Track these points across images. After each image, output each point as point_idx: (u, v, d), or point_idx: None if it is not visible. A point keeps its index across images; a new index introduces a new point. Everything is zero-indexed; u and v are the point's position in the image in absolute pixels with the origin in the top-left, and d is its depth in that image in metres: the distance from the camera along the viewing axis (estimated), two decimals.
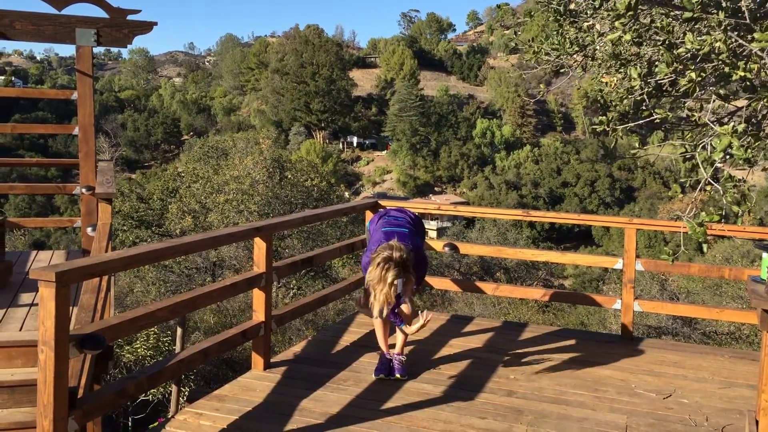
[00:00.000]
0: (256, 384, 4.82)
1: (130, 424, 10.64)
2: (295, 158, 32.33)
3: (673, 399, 4.83)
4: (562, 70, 3.57)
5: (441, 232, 65.42)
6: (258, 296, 5.04)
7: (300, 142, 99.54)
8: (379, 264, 4.47)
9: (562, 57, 3.34)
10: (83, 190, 7.04)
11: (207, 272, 20.42)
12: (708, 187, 2.97)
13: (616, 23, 2.43)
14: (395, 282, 4.44)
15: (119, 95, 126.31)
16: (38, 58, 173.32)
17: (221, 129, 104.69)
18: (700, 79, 2.39)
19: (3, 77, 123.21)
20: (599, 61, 3.12)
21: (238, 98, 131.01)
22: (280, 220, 5.24)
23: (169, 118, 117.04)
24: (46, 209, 73.22)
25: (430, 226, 71.68)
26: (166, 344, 11.06)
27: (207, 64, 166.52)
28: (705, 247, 2.67)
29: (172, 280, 19.33)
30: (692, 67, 2.38)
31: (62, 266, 3.30)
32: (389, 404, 4.55)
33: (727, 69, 2.36)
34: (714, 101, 2.59)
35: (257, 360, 5.08)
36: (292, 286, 22.26)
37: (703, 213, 2.50)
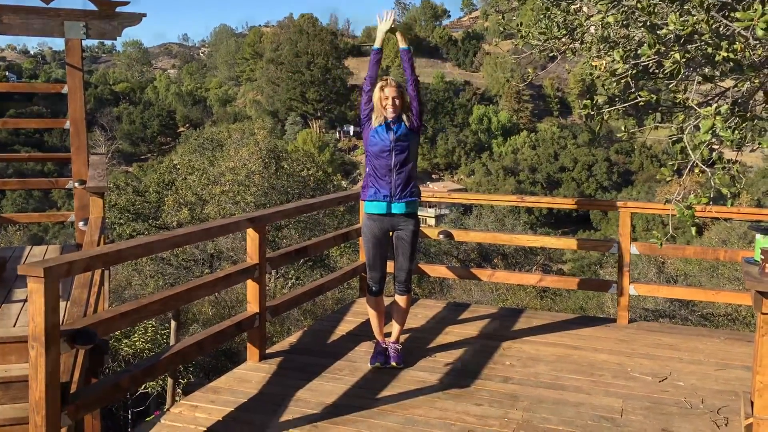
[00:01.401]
0: (251, 375, 4.82)
1: (129, 416, 10.66)
2: (291, 148, 32.25)
3: (669, 382, 4.83)
4: (551, 54, 3.52)
5: (439, 220, 65.43)
6: (252, 287, 5.03)
7: (296, 131, 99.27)
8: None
9: (550, 41, 3.29)
10: (76, 184, 7.01)
11: (205, 264, 20.39)
12: (696, 170, 2.94)
13: (599, 5, 2.39)
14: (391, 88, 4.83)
15: (114, 88, 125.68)
16: (32, 52, 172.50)
17: (217, 120, 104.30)
18: (684, 60, 2.35)
19: None
20: (588, 45, 3.08)
21: (233, 89, 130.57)
22: (272, 210, 5.22)
23: (165, 111, 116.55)
24: (43, 204, 73.05)
25: (428, 213, 71.63)
26: (164, 337, 11.06)
27: (201, 55, 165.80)
28: (693, 230, 2.64)
29: (170, 273, 19.31)
30: (676, 49, 2.34)
31: (50, 261, 3.28)
32: (385, 393, 4.55)
33: (710, 49, 2.33)
34: (700, 82, 2.55)
35: (252, 351, 5.08)
36: (290, 276, 22.25)
37: (692, 195, 2.47)
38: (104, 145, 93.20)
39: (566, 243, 7.33)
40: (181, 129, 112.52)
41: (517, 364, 5.13)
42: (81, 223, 6.10)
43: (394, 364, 4.99)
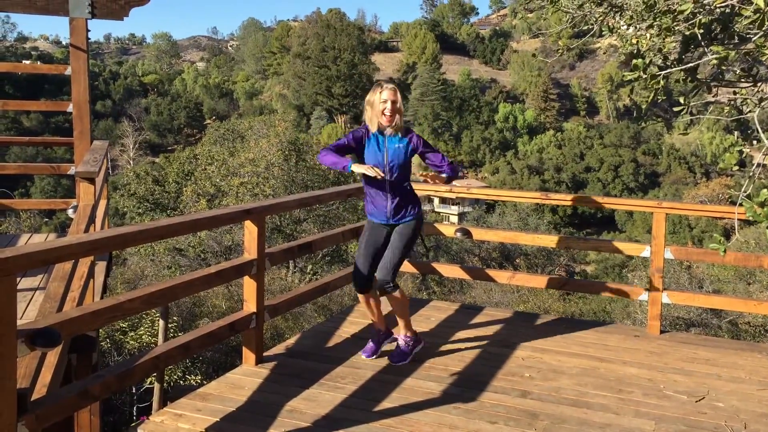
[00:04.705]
0: (245, 381, 4.41)
1: (134, 412, 10.37)
2: (314, 141, 31.91)
3: (707, 402, 4.34)
4: (585, 27, 3.08)
5: (461, 217, 64.84)
6: (249, 285, 4.62)
7: (321, 126, 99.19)
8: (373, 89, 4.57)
9: (585, 7, 2.83)
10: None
11: (221, 256, 20.11)
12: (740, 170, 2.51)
13: None
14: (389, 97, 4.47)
15: (143, 80, 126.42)
16: (64, 42, 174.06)
17: (243, 113, 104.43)
18: None
19: (29, 62, 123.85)
20: (629, 13, 2.63)
21: (260, 82, 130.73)
22: (271, 202, 4.80)
23: (192, 103, 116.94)
24: (69, 193, 73.58)
25: (451, 210, 71.03)
26: (172, 331, 10.74)
27: (230, 48, 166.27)
28: None
29: (185, 264, 19.05)
30: None
31: (7, 252, 2.89)
32: (388, 405, 4.11)
33: None
34: None
35: (248, 355, 4.67)
36: (308, 270, 21.93)
37: (765, 190, 2.01)
38: (132, 135, 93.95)
39: (593, 245, 6.85)
40: (208, 121, 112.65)
41: (536, 376, 4.66)
42: (70, 210, 5.74)
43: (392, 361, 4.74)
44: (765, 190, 1.99)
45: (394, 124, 4.52)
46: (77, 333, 3.39)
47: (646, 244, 5.77)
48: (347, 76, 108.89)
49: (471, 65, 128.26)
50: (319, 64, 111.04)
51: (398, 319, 4.80)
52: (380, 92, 4.51)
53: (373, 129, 4.56)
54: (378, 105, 4.51)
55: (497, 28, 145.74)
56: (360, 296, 4.79)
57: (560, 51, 3.55)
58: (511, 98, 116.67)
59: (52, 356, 3.78)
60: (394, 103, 4.49)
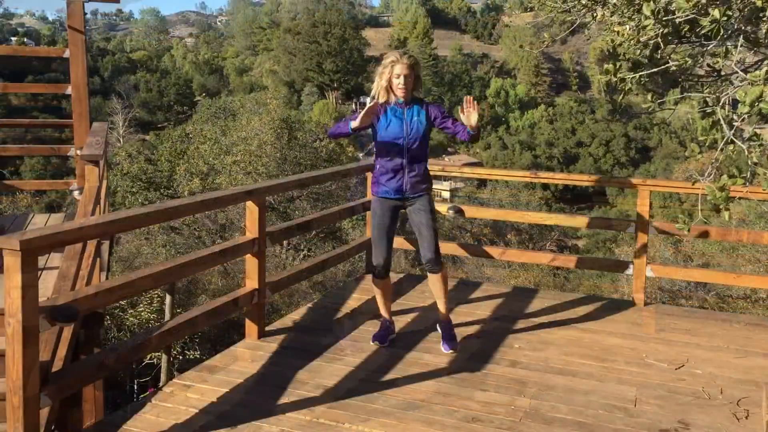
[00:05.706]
0: (248, 354, 4.63)
1: (135, 386, 10.61)
2: (305, 119, 31.96)
3: (686, 369, 4.59)
4: (572, 27, 3.23)
5: (453, 193, 65.05)
6: (251, 262, 4.83)
7: (312, 102, 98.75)
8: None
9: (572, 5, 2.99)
10: (78, 152, 6.82)
11: (216, 234, 20.30)
12: (731, 146, 2.64)
13: None
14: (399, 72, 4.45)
15: (131, 56, 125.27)
16: (50, 18, 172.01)
17: (233, 90, 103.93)
18: (725, 18, 2.07)
19: (15, 38, 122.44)
20: (610, 5, 2.78)
21: (250, 58, 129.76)
22: (272, 183, 4.99)
23: (182, 79, 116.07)
24: (64, 173, 73.11)
25: (443, 186, 71.28)
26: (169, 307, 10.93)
27: (219, 23, 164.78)
28: (726, 214, 2.37)
29: (180, 243, 19.22)
30: (717, 2, 2.05)
31: (28, 234, 3.08)
32: (388, 376, 4.35)
33: (760, 2, 2.02)
34: (740, 48, 2.26)
35: (251, 328, 4.89)
36: (302, 248, 22.14)
37: (725, 176, 2.20)
38: (121, 113, 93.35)
39: (581, 221, 7.07)
40: (198, 98, 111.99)
41: (526, 347, 4.90)
42: (76, 192, 5.92)
43: (444, 350, 4.73)
44: (725, 176, 2.17)
45: (405, 95, 4.52)
46: (92, 309, 3.59)
47: (632, 220, 5.98)
48: (338, 51, 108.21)
49: (462, 40, 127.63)
50: (310, 40, 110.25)
51: (443, 299, 4.80)
52: (392, 66, 4.46)
53: (385, 99, 4.51)
54: (391, 79, 4.48)
55: (488, 2, 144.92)
56: (381, 285, 4.82)
57: (546, 38, 3.71)
58: (503, 73, 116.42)
59: (67, 331, 3.98)
60: (407, 77, 4.47)
